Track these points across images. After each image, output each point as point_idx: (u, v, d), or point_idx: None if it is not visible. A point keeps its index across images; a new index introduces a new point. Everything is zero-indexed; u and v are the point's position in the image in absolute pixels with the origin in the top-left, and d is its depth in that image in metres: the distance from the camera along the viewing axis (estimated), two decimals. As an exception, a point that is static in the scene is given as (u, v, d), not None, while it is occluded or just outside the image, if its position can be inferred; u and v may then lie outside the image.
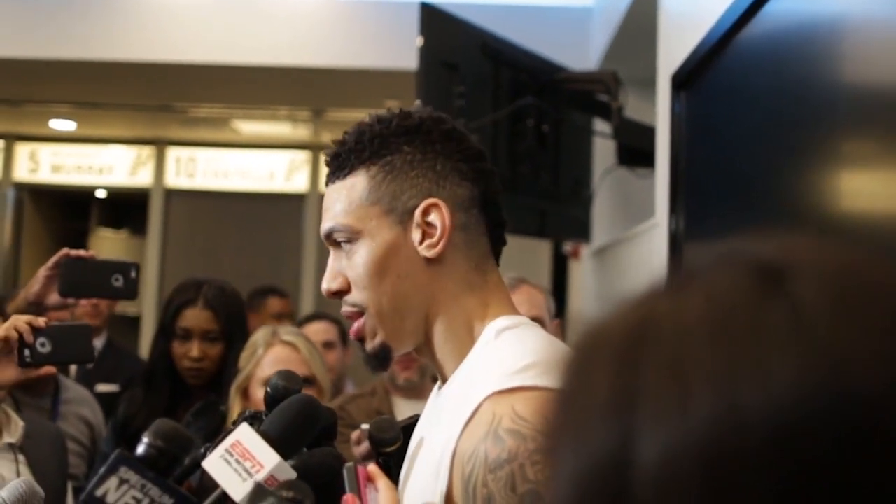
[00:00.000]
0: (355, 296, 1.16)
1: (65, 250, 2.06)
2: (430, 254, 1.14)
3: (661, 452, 0.43)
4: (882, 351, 0.43)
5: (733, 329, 0.44)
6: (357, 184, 1.16)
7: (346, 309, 1.18)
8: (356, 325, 1.17)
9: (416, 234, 1.14)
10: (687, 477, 0.42)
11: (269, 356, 2.13)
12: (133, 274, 2.09)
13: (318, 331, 3.23)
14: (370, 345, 1.16)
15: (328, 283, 1.18)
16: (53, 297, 2.06)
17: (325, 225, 1.18)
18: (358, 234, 1.15)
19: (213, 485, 1.09)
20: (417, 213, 1.14)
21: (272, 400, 1.18)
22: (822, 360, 0.42)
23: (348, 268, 1.16)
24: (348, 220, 1.16)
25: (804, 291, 0.44)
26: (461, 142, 1.19)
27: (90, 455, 2.67)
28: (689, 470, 0.42)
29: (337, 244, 1.18)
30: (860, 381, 0.42)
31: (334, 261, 1.18)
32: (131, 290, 2.11)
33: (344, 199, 1.16)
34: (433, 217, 1.14)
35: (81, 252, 2.07)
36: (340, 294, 1.17)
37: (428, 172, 1.15)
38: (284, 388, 1.18)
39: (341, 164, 1.18)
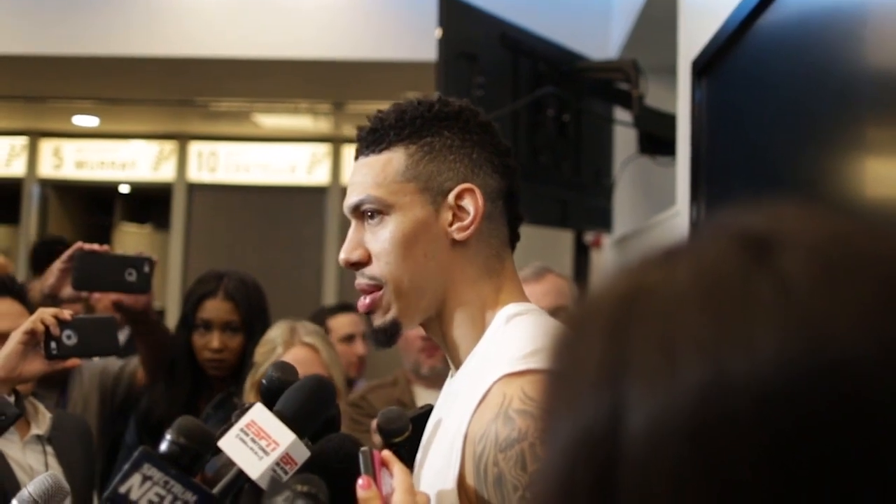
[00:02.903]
0: (375, 269, 1.18)
1: (79, 244, 2.08)
2: (459, 236, 1.17)
3: (650, 420, 0.44)
4: (866, 320, 0.43)
5: (720, 299, 0.45)
6: (394, 160, 1.18)
7: (361, 281, 1.19)
8: (370, 298, 1.18)
9: (447, 216, 1.17)
10: (675, 443, 0.43)
11: (287, 357, 2.11)
12: (146, 269, 2.10)
13: (346, 323, 3.24)
14: (380, 319, 1.19)
15: (348, 254, 1.19)
16: (68, 290, 2.08)
17: (355, 197, 1.20)
18: (389, 208, 1.17)
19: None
20: (452, 195, 1.17)
21: (267, 391, 1.19)
22: (806, 329, 0.43)
23: (372, 241, 1.18)
24: (381, 193, 1.17)
25: (791, 262, 0.45)
26: (494, 135, 1.22)
27: None
28: (677, 436, 0.43)
29: (362, 217, 1.20)
30: (844, 349, 0.42)
31: (356, 232, 1.20)
32: (144, 285, 2.13)
33: (378, 173, 1.18)
34: (467, 202, 1.17)
35: (95, 246, 2.09)
36: (358, 266, 1.19)
37: (465, 159, 1.18)
38: (279, 379, 1.19)
39: (378, 138, 1.20)
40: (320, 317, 3.30)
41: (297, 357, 2.11)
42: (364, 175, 1.19)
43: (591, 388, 0.46)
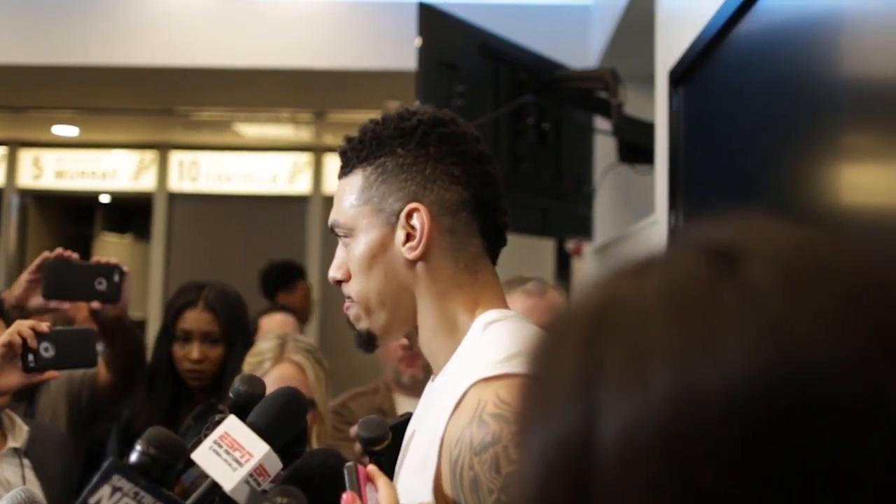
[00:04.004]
0: (350, 286, 1.23)
1: (46, 253, 2.06)
2: (410, 255, 1.19)
3: (623, 429, 0.44)
4: (830, 330, 0.44)
5: (689, 310, 0.46)
6: (354, 183, 1.23)
7: (346, 298, 1.25)
8: (346, 304, 1.25)
9: (400, 236, 1.19)
10: (647, 452, 0.44)
11: (273, 373, 2.08)
12: (116, 278, 2.10)
13: (277, 323, 3.32)
14: (358, 328, 1.24)
15: (332, 272, 1.25)
16: (36, 300, 2.06)
17: (330, 219, 1.26)
18: (351, 231, 1.22)
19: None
20: (402, 215, 1.19)
21: (235, 405, 1.19)
22: (773, 339, 0.44)
23: (347, 260, 1.23)
24: (343, 218, 1.23)
25: (757, 273, 0.46)
26: (458, 144, 1.21)
27: None
28: (649, 446, 0.44)
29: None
30: (810, 359, 0.43)
31: (340, 250, 1.25)
32: (114, 294, 2.11)
33: (343, 197, 1.23)
34: (415, 220, 1.18)
35: (66, 252, 2.07)
36: (341, 283, 1.25)
37: (416, 176, 1.19)
38: (247, 393, 1.20)
39: (346, 161, 1.25)
40: (255, 318, 3.36)
41: (283, 374, 2.09)
42: (337, 197, 1.25)
43: (566, 399, 0.47)
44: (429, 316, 1.20)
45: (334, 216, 1.24)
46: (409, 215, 1.18)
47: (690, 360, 0.44)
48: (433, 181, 1.19)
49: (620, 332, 0.47)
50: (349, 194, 1.22)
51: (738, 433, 0.42)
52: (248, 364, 2.15)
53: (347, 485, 1.03)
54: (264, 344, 2.18)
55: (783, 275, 0.46)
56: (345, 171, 1.25)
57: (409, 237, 1.19)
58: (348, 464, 1.06)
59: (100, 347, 3.21)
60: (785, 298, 0.45)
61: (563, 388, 0.47)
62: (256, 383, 1.22)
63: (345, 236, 1.23)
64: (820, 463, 0.42)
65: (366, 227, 1.20)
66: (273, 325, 3.25)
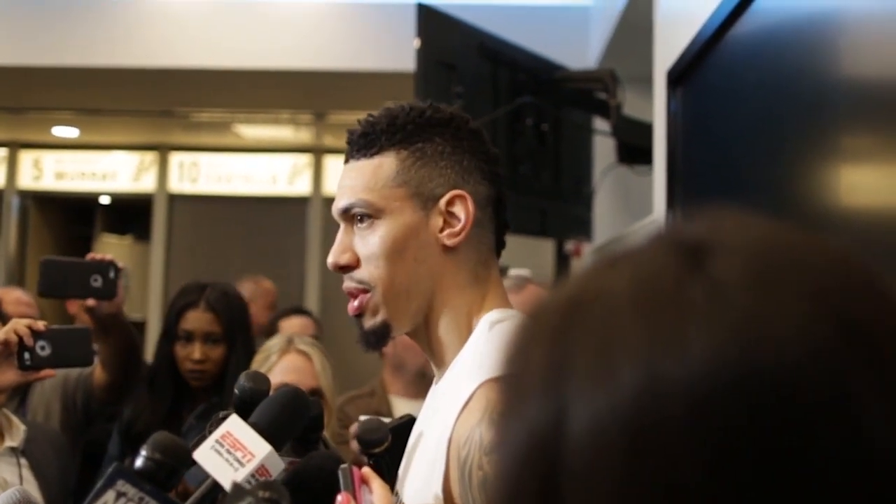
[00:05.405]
0: (363, 272, 1.18)
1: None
2: (450, 242, 1.17)
3: (590, 424, 0.44)
4: (796, 327, 0.44)
5: (655, 305, 0.46)
6: (385, 164, 1.18)
7: (349, 284, 1.19)
8: (357, 300, 1.18)
9: (437, 222, 1.17)
10: (614, 447, 0.44)
11: (281, 364, 2.10)
12: (112, 274, 2.10)
13: (297, 325, 3.31)
14: (370, 322, 1.19)
15: (336, 257, 1.19)
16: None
17: (345, 201, 1.20)
18: (380, 213, 1.17)
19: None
20: (443, 201, 1.17)
21: (239, 401, 1.18)
22: (737, 334, 0.44)
23: (361, 244, 1.18)
24: (371, 198, 1.17)
25: (724, 269, 0.46)
26: (484, 143, 1.23)
27: None
28: (615, 440, 0.44)
29: (351, 220, 1.20)
30: (775, 354, 0.43)
31: (344, 235, 1.20)
32: (110, 291, 2.12)
33: (369, 178, 1.18)
34: (457, 208, 1.17)
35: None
36: (346, 269, 1.19)
37: (456, 165, 1.19)
38: (251, 389, 1.19)
39: (370, 143, 1.19)
40: (274, 320, 3.35)
41: (291, 363, 2.11)
42: (354, 179, 1.19)
43: (536, 394, 0.47)
44: (445, 309, 1.18)
45: (355, 196, 1.18)
46: (451, 202, 1.17)
47: (657, 354, 0.44)
48: (470, 173, 1.19)
49: (590, 326, 0.47)
50: (377, 175, 1.17)
51: (704, 428, 0.42)
52: (257, 361, 2.16)
53: (342, 486, 1.03)
54: (272, 341, 2.20)
55: (751, 270, 0.45)
56: (368, 152, 1.19)
57: (445, 224, 1.17)
58: (343, 465, 1.06)
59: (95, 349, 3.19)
60: (752, 293, 0.45)
61: (535, 380, 0.47)
62: (261, 379, 1.22)
63: (367, 217, 1.17)
64: (784, 458, 0.42)
65: (398, 210, 1.17)
66: (293, 327, 3.25)
